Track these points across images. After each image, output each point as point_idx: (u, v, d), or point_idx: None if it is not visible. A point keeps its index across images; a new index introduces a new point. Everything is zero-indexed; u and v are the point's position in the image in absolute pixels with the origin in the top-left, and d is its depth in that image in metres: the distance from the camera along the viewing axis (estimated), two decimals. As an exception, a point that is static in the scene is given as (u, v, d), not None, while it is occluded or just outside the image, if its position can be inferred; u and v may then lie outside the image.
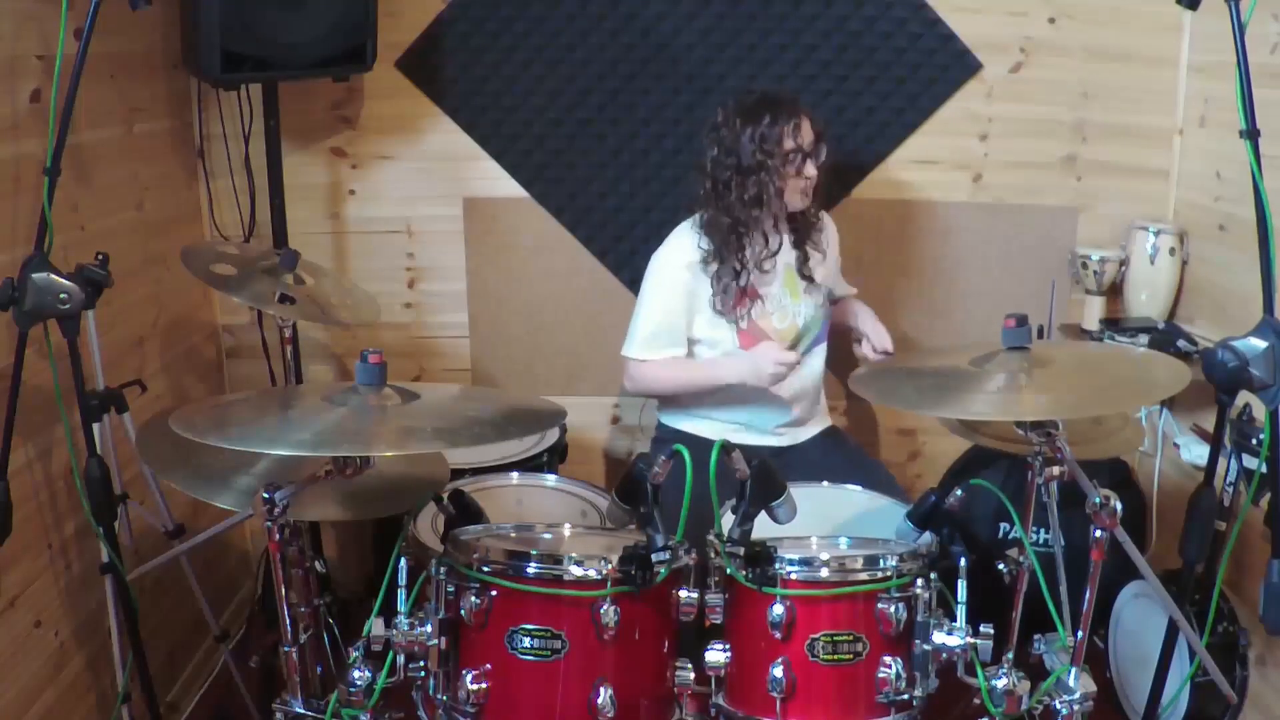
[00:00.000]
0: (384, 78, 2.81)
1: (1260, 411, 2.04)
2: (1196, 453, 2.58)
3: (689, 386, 2.50)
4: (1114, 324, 2.77)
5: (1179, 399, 2.67)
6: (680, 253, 2.44)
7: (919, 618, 1.68)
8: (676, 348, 2.46)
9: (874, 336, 2.49)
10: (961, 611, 1.67)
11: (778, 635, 1.64)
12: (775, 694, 1.63)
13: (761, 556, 1.65)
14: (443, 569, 1.68)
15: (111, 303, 2.17)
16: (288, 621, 1.70)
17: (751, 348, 2.43)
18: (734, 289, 2.40)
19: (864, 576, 1.68)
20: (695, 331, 2.47)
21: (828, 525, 2.08)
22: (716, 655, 1.69)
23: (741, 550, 1.67)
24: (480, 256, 2.98)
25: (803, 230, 2.50)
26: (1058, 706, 1.64)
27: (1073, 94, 2.84)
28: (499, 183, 2.92)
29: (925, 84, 2.82)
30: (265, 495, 1.58)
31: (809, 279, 2.51)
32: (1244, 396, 2.01)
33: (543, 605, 1.62)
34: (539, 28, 2.79)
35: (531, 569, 1.63)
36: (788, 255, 2.50)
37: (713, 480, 1.64)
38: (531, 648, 1.60)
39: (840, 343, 2.68)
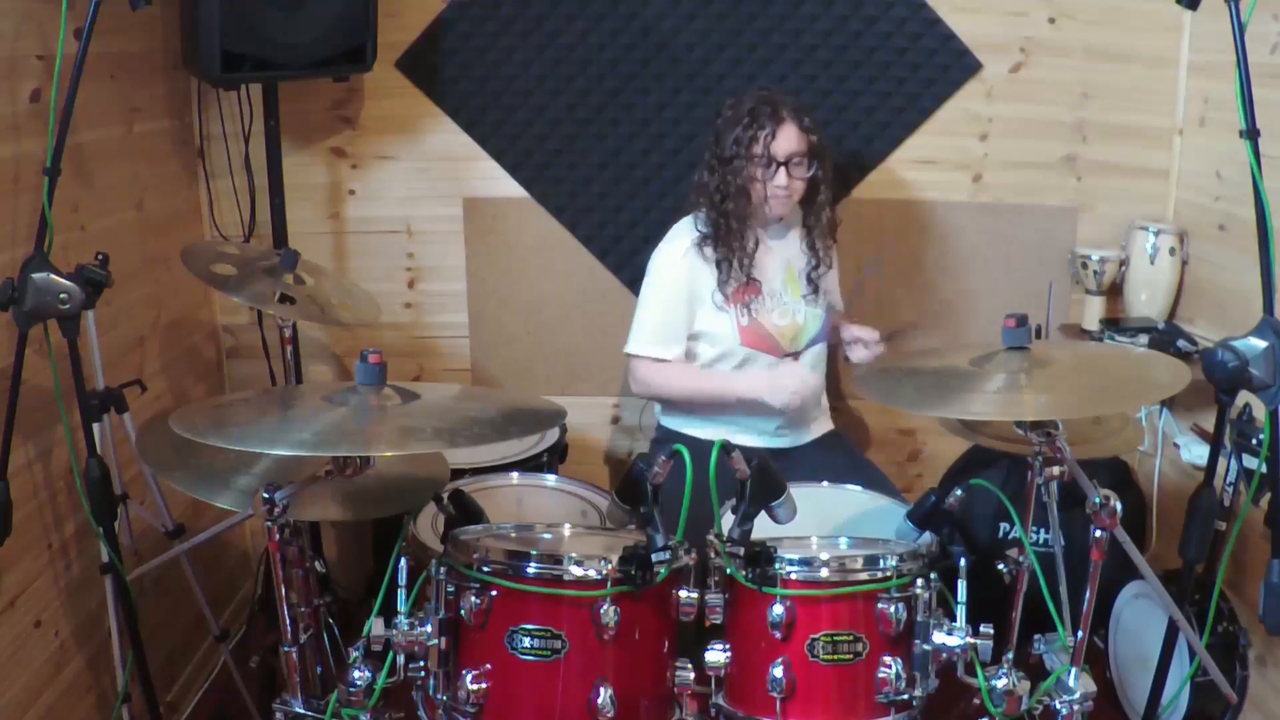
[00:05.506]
0: (384, 78, 2.81)
1: (1260, 411, 2.04)
2: (1196, 453, 2.57)
3: (700, 395, 2.49)
4: (1114, 324, 2.77)
5: (1179, 399, 2.67)
6: (678, 243, 2.45)
7: (919, 618, 1.68)
8: (679, 344, 2.46)
9: (863, 334, 2.49)
10: (961, 611, 1.67)
11: (778, 635, 1.64)
12: (775, 694, 1.63)
13: (761, 556, 1.65)
14: (443, 569, 1.68)
15: (111, 303, 2.17)
16: (288, 621, 1.70)
17: (754, 346, 2.44)
18: (735, 277, 2.40)
19: (864, 576, 1.68)
20: (697, 325, 2.46)
21: (828, 525, 2.08)
22: (716, 655, 1.69)
23: (741, 550, 1.67)
24: (480, 256, 2.98)
25: (814, 234, 2.50)
26: (1058, 706, 1.65)
27: (1073, 94, 2.83)
28: (499, 183, 2.92)
29: (925, 84, 2.82)
30: (265, 495, 1.58)
31: (812, 282, 2.51)
32: (1244, 396, 2.01)
33: (543, 605, 1.62)
34: (539, 28, 2.79)
35: (531, 569, 1.63)
36: (791, 254, 2.51)
37: (713, 480, 1.64)
38: (531, 648, 1.60)
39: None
